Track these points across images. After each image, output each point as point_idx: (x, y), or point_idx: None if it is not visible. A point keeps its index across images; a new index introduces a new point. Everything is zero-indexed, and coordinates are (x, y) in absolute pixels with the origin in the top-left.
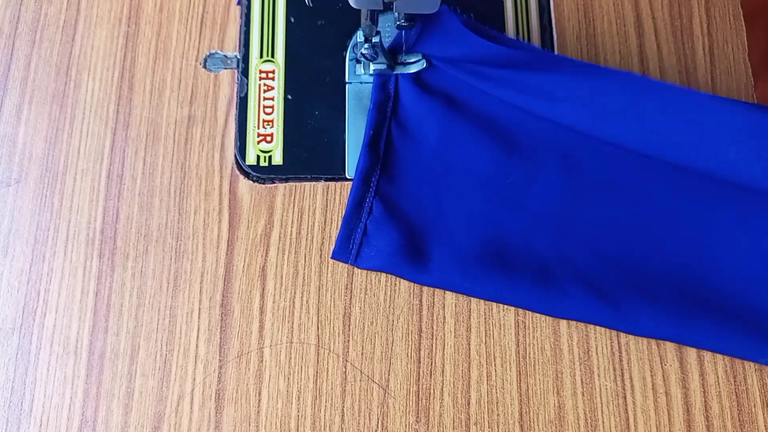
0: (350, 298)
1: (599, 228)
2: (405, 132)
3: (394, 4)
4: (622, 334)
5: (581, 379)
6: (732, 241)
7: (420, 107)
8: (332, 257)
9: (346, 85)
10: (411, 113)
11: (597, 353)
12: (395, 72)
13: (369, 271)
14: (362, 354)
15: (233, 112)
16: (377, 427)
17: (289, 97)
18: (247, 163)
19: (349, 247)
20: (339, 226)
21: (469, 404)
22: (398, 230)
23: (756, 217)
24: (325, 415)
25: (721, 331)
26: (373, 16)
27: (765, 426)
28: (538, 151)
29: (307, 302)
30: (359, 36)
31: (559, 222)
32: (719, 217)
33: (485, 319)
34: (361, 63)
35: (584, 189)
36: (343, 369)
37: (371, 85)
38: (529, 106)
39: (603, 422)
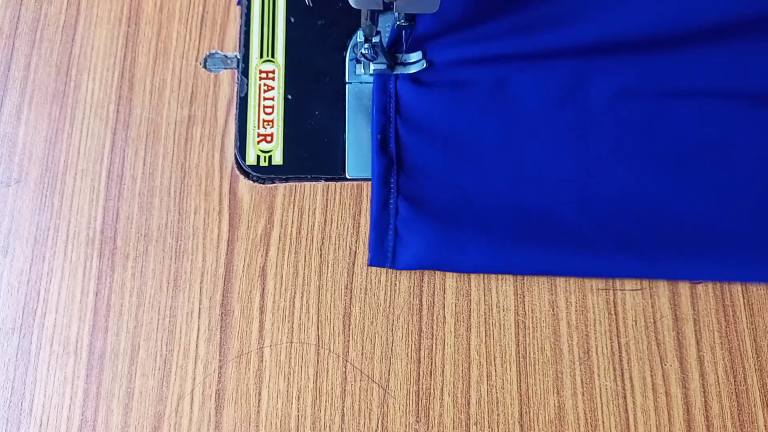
0: (350, 298)
1: (621, 184)
2: (413, 128)
3: (394, 4)
4: (622, 334)
5: (581, 379)
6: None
7: (424, 101)
8: (370, 264)
9: (346, 85)
10: (416, 109)
11: (597, 353)
12: (395, 72)
13: (369, 272)
14: (362, 354)
15: (233, 112)
16: (377, 427)
17: (289, 97)
18: (247, 163)
19: (384, 251)
20: (338, 226)
21: (469, 404)
22: (429, 225)
23: None
24: (325, 415)
25: (752, 258)
26: (373, 16)
27: (765, 426)
28: (546, 124)
29: (307, 302)
30: (359, 36)
31: (581, 188)
32: (739, 147)
33: (485, 319)
34: (361, 63)
35: (599, 152)
36: (343, 369)
37: (371, 85)
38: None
39: (603, 422)
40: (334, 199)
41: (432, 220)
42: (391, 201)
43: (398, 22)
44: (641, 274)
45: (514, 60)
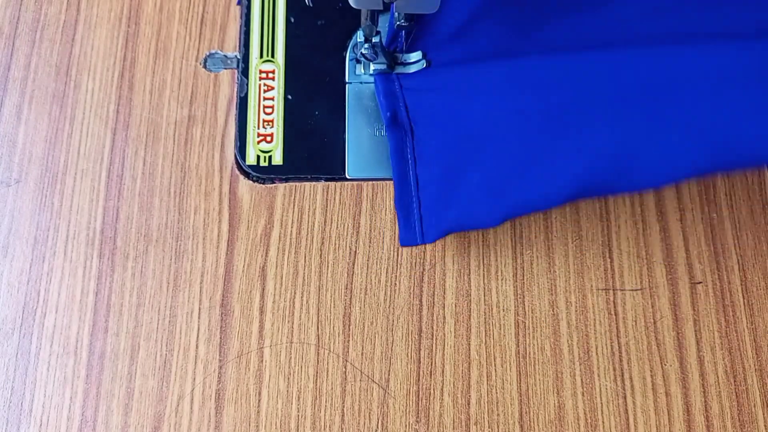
0: (350, 298)
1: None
2: (419, 92)
3: (394, 4)
4: (622, 334)
5: (581, 379)
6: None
7: (428, 73)
8: (402, 244)
9: (346, 85)
10: (421, 80)
11: (597, 353)
12: (395, 72)
13: (369, 271)
14: (362, 354)
15: (233, 112)
16: (377, 427)
17: (289, 97)
18: (247, 163)
19: (413, 228)
20: (338, 226)
21: (469, 404)
22: (450, 190)
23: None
24: (325, 415)
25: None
26: (373, 17)
27: (765, 426)
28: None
29: (307, 302)
30: (359, 36)
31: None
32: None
33: (485, 319)
34: (361, 63)
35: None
36: (343, 369)
37: (371, 85)
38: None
39: (603, 422)
40: (334, 199)
41: (451, 185)
42: (411, 173)
43: (398, 22)
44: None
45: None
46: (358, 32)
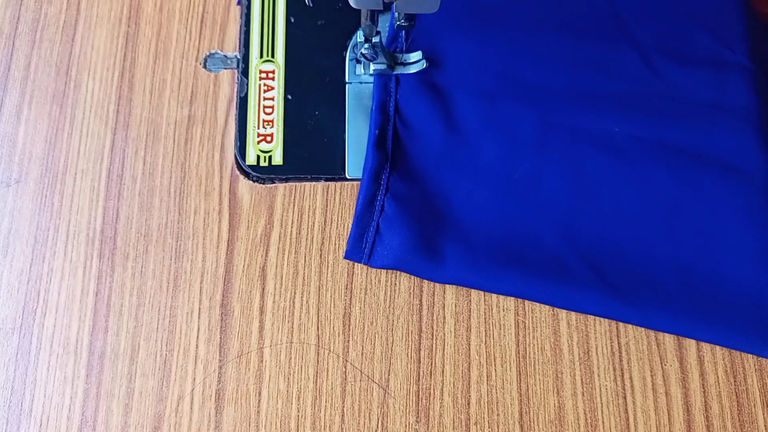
0: (350, 298)
1: (608, 219)
2: (410, 130)
3: (394, 4)
4: (622, 334)
5: (581, 379)
6: (738, 231)
7: (422, 105)
8: (345, 257)
9: (346, 85)
10: (414, 111)
11: (597, 353)
12: (395, 72)
13: (369, 272)
14: (362, 354)
15: (233, 112)
16: (377, 427)
17: (289, 97)
18: (247, 163)
19: (362, 247)
20: (338, 226)
21: (469, 404)
22: (411, 228)
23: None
24: (325, 415)
25: (728, 325)
26: (373, 16)
27: (765, 426)
28: (543, 144)
29: (307, 302)
30: (359, 36)
31: (569, 214)
32: (726, 206)
33: (485, 319)
34: (361, 63)
35: (591, 180)
36: (343, 369)
37: (371, 85)
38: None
39: (603, 422)
40: (334, 199)
41: (415, 224)
42: (379, 198)
43: (398, 22)
44: (614, 316)
45: (518, 79)
46: (358, 32)
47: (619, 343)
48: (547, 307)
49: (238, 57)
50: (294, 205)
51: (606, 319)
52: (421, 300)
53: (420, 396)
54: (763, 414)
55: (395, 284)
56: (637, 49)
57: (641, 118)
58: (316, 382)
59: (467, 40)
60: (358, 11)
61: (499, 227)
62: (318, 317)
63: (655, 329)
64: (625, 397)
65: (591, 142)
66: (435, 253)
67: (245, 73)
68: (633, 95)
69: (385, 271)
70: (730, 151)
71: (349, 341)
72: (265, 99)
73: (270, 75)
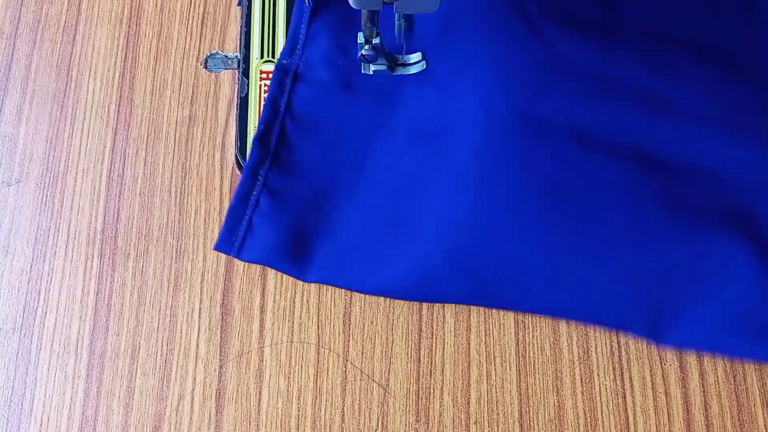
0: (350, 298)
1: (485, 210)
2: (301, 127)
3: (394, 4)
4: (622, 334)
5: (581, 379)
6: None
7: (317, 103)
8: (215, 248)
9: None
10: (308, 109)
11: (597, 353)
12: (395, 73)
13: None
14: (362, 353)
15: (234, 112)
16: (377, 426)
17: None
18: None
19: (233, 240)
20: None
21: (468, 403)
22: (284, 225)
23: None
24: (325, 414)
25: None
26: (374, 18)
27: (765, 426)
28: (425, 140)
29: (307, 302)
30: (360, 37)
31: (447, 211)
32: (614, 190)
33: (485, 318)
34: (361, 64)
35: (468, 170)
36: (344, 368)
37: None
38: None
39: (602, 422)
40: None
41: (289, 221)
42: (254, 193)
43: (398, 22)
44: (481, 303)
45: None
46: (359, 33)
47: (618, 343)
48: None
49: (239, 57)
50: None
51: None
52: None
53: (420, 395)
54: (763, 414)
55: None
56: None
57: (528, 96)
58: (317, 381)
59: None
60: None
61: (377, 225)
62: (318, 317)
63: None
64: (624, 397)
65: (474, 134)
66: (304, 252)
67: (246, 73)
68: (516, 68)
69: None
70: (621, 132)
71: (349, 340)
72: (265, 99)
73: (271, 75)
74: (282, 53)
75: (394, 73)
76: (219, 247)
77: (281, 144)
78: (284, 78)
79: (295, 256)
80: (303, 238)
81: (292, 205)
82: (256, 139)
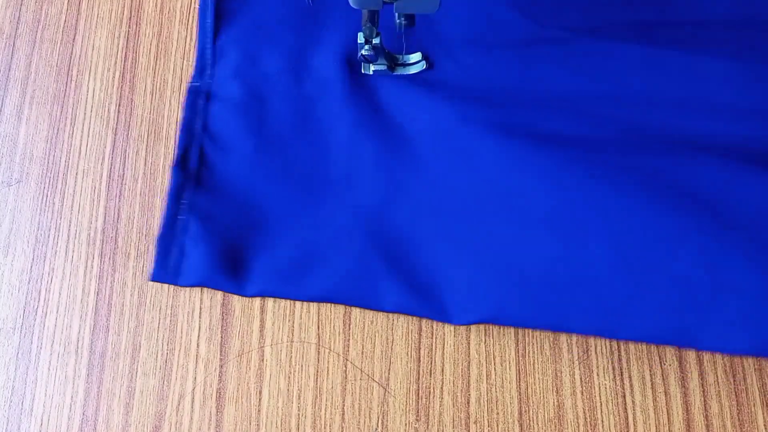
0: None
1: (418, 216)
2: (220, 146)
3: (394, 4)
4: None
5: (580, 379)
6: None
7: (234, 118)
8: (152, 280)
9: None
10: (225, 126)
11: (596, 352)
12: (395, 73)
13: None
14: (362, 353)
15: None
16: (377, 425)
17: None
18: None
19: (168, 267)
20: None
21: (468, 403)
22: (216, 245)
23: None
24: (325, 413)
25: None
26: (373, 18)
27: (765, 426)
28: (354, 145)
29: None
30: (360, 37)
31: (379, 214)
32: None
33: None
34: (361, 64)
35: (399, 179)
36: (344, 368)
37: None
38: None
39: (602, 421)
40: None
41: (220, 241)
42: (181, 218)
43: (398, 22)
44: (416, 313)
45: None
46: (359, 34)
47: (618, 343)
48: None
49: None
50: None
51: None
52: None
53: (420, 395)
54: (763, 414)
55: None
56: (440, 43)
57: (452, 113)
58: (317, 380)
59: (280, 46)
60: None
61: (309, 232)
62: (318, 316)
63: (457, 324)
64: (624, 397)
65: (400, 140)
66: (240, 268)
67: None
68: (441, 84)
69: None
70: (560, 143)
71: (349, 340)
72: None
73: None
74: (193, 76)
75: (394, 73)
76: (155, 277)
77: (203, 165)
78: (196, 100)
79: (232, 273)
80: (238, 254)
81: (222, 224)
82: (175, 166)
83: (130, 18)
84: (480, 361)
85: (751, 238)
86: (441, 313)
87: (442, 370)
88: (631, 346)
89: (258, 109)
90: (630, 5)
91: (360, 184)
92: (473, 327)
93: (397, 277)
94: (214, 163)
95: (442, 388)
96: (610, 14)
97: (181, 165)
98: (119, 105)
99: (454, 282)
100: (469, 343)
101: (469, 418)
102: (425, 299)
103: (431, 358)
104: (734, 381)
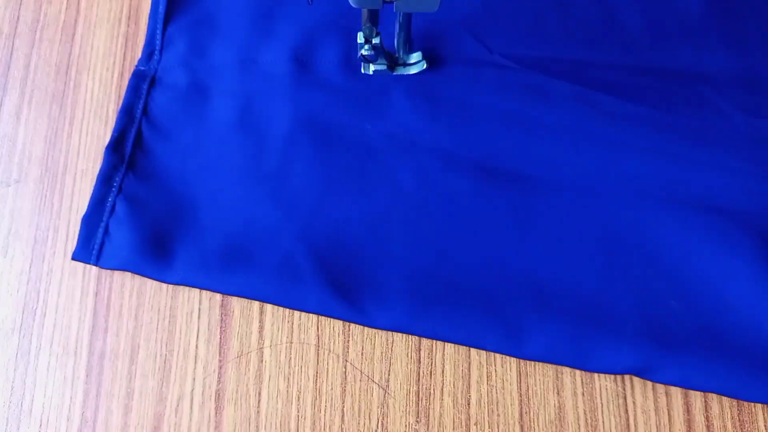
0: None
1: (349, 218)
2: (158, 131)
3: (394, 3)
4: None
5: (581, 379)
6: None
7: (175, 105)
8: (73, 258)
9: None
10: (165, 112)
11: None
12: (395, 72)
13: None
14: (362, 354)
15: None
16: (377, 427)
17: None
18: None
19: (90, 248)
20: None
21: (469, 404)
22: (142, 229)
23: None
24: (325, 415)
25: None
26: (373, 18)
27: (765, 426)
28: (291, 144)
29: None
30: (360, 37)
31: (310, 212)
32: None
33: None
34: (361, 64)
35: (335, 178)
36: (343, 369)
37: None
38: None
39: (603, 422)
40: None
41: (147, 225)
42: (109, 200)
43: (398, 21)
44: (339, 316)
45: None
46: (359, 33)
47: None
48: None
49: None
50: None
51: None
52: None
53: (420, 396)
54: (763, 414)
55: None
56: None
57: (391, 118)
58: (316, 382)
59: (230, 39)
60: (358, 12)
61: (239, 227)
62: (318, 317)
63: (379, 328)
64: (625, 398)
65: (338, 142)
66: (164, 254)
67: None
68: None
69: None
70: (488, 156)
71: (348, 341)
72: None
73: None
74: (139, 60)
75: (394, 73)
76: (77, 256)
77: (138, 149)
78: (141, 84)
79: (155, 259)
80: (163, 240)
81: (151, 209)
82: (109, 147)
83: (130, 18)
84: (480, 362)
85: (677, 276)
86: (362, 317)
87: (443, 372)
88: None
89: (200, 99)
90: (572, 44)
91: (293, 183)
92: None
93: (321, 278)
94: (149, 149)
95: (442, 389)
96: (552, 51)
97: (114, 147)
98: (118, 105)
99: (376, 286)
100: None
101: (469, 420)
102: (348, 302)
103: (431, 359)
104: None
